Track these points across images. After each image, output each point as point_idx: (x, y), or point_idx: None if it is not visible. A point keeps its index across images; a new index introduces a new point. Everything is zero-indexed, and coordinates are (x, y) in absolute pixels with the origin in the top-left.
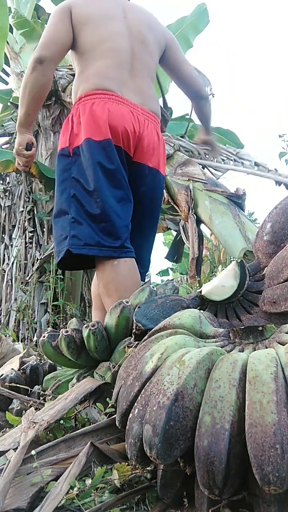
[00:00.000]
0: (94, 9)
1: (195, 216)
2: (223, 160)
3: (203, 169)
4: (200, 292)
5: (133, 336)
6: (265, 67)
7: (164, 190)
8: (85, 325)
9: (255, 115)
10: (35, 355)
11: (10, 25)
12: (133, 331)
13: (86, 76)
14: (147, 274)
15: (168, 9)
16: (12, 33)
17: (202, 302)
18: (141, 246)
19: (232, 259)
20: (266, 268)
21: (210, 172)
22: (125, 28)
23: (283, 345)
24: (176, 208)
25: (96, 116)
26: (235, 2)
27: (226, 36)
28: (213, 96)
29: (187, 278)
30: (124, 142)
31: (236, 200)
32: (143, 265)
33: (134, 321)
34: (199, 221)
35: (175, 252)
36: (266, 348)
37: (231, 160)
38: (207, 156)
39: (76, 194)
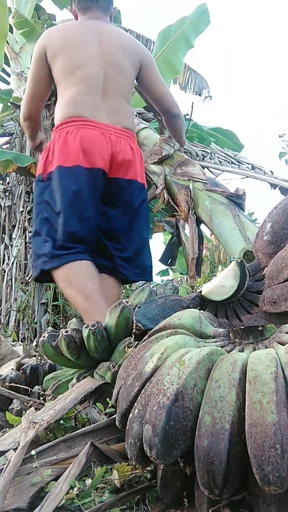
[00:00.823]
0: (68, 39)
1: (195, 216)
2: (220, 162)
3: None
4: (200, 292)
5: (133, 336)
6: (265, 67)
7: (164, 190)
8: (85, 325)
9: (255, 115)
10: (35, 355)
11: (10, 25)
12: (133, 331)
13: (62, 104)
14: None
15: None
16: (12, 33)
17: (202, 302)
18: (136, 249)
19: (232, 259)
20: (266, 268)
21: (211, 171)
22: (98, 52)
23: (283, 345)
24: (176, 208)
25: (69, 145)
26: (235, 3)
27: (227, 36)
28: (210, 99)
29: (187, 278)
30: (98, 163)
31: (236, 200)
32: (142, 267)
33: (134, 321)
34: (199, 221)
35: (169, 254)
36: (266, 348)
37: (228, 162)
38: (204, 157)
39: (48, 216)
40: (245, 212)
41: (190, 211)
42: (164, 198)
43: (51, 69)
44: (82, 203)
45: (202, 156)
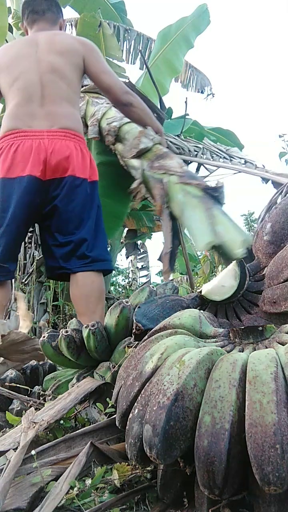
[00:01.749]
0: (9, 55)
1: (168, 210)
2: (213, 157)
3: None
4: (200, 292)
5: (133, 336)
6: (265, 67)
7: (143, 185)
8: (85, 325)
9: (255, 115)
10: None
11: (9, 24)
12: (133, 331)
13: (3, 119)
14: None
15: (168, 9)
16: (12, 33)
17: (202, 302)
18: (77, 242)
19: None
20: (266, 268)
21: (205, 168)
22: (34, 63)
23: (283, 345)
24: (153, 202)
25: (4, 157)
26: (235, 3)
27: (227, 36)
28: (213, 96)
29: (187, 278)
30: (29, 171)
31: (213, 193)
32: (85, 257)
33: (134, 321)
34: (173, 217)
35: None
36: (266, 348)
37: (221, 157)
38: (197, 153)
39: None
40: (223, 205)
41: (164, 205)
42: (142, 193)
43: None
44: (4, 215)
45: (195, 152)
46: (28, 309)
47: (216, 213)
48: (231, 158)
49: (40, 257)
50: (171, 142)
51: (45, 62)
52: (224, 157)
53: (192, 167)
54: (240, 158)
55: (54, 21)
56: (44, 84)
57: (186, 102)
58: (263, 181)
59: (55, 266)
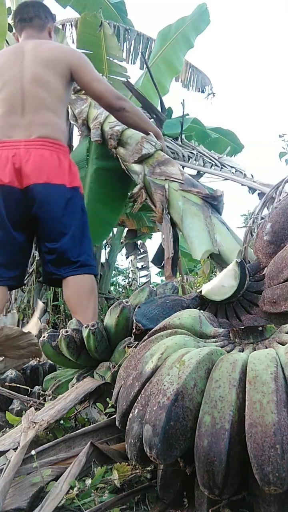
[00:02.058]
0: None
1: (169, 216)
2: (204, 163)
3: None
4: (200, 292)
5: (133, 336)
6: (266, 67)
7: (143, 190)
8: (85, 325)
9: (255, 115)
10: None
11: (9, 24)
12: (133, 331)
13: None
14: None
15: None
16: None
17: (202, 302)
18: (61, 248)
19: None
20: (266, 268)
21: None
22: (18, 73)
23: (283, 345)
24: (153, 208)
25: None
26: (235, 3)
27: (227, 36)
28: (214, 95)
29: (187, 278)
30: (4, 180)
31: (212, 201)
32: (70, 263)
33: (134, 321)
34: (172, 222)
35: (162, 256)
36: (266, 348)
37: (212, 164)
38: (190, 158)
39: None
40: (221, 213)
41: (164, 212)
42: (142, 198)
43: None
44: None
45: (188, 157)
46: (28, 309)
47: (215, 221)
48: (222, 166)
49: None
50: (167, 146)
51: (29, 72)
52: (215, 164)
53: (190, 172)
54: (231, 166)
55: (42, 27)
56: (25, 94)
57: (183, 104)
58: (250, 191)
59: (48, 272)
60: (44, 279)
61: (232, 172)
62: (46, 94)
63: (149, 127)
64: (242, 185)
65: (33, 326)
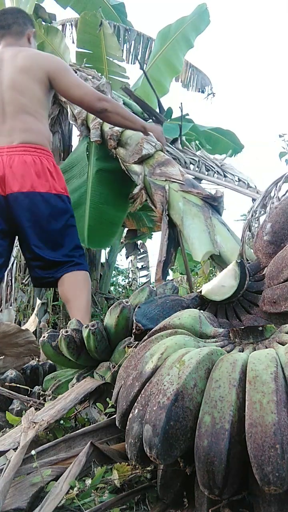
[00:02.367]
0: None
1: (167, 218)
2: (208, 171)
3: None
4: (200, 292)
5: (133, 336)
6: (266, 67)
7: (143, 191)
8: (85, 325)
9: (255, 115)
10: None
11: None
12: (133, 331)
13: None
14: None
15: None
16: None
17: (202, 302)
18: (43, 254)
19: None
20: (266, 268)
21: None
22: None
23: (283, 345)
24: (154, 208)
25: None
26: (235, 3)
27: (227, 36)
28: (214, 95)
29: (187, 278)
30: None
31: (212, 202)
32: (75, 261)
33: (134, 321)
34: (172, 223)
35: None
36: (266, 348)
37: (215, 172)
38: (192, 165)
39: None
40: (221, 214)
41: (164, 213)
42: (142, 199)
43: None
44: None
45: (190, 164)
46: (28, 309)
47: (215, 223)
48: (225, 174)
49: None
50: (167, 151)
51: (7, 79)
52: (218, 172)
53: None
54: (233, 175)
55: (20, 33)
56: (5, 101)
57: (181, 108)
58: (253, 202)
59: (37, 277)
60: (35, 283)
61: (236, 181)
62: (26, 100)
63: (135, 125)
64: (245, 195)
65: (30, 323)
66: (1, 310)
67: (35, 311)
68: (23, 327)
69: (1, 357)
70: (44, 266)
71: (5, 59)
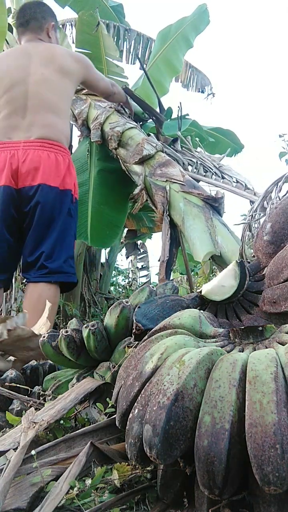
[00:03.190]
0: (2, 65)
1: (168, 218)
2: (206, 172)
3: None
4: (200, 292)
5: (133, 336)
6: (266, 67)
7: (144, 191)
8: (85, 325)
9: (255, 115)
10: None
11: (9, 24)
12: (133, 331)
13: None
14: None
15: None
16: (12, 33)
17: (202, 302)
18: (42, 252)
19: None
20: (266, 268)
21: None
22: (25, 74)
23: (283, 345)
24: (154, 209)
25: None
26: (235, 3)
27: (227, 36)
28: (213, 96)
29: (187, 278)
30: (7, 180)
31: (213, 203)
32: (43, 268)
33: (134, 321)
34: (173, 224)
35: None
36: (266, 348)
37: (213, 173)
38: (191, 166)
39: None
40: (222, 215)
41: (165, 213)
42: (143, 199)
43: None
44: None
45: (189, 165)
46: None
47: (216, 223)
48: (223, 175)
49: None
50: (166, 153)
51: (37, 74)
52: (216, 173)
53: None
54: (231, 176)
55: (39, 28)
56: (30, 96)
57: (180, 107)
58: (251, 204)
59: (26, 276)
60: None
61: (234, 182)
62: (54, 97)
63: (123, 100)
64: (243, 197)
65: (41, 326)
66: (1, 310)
67: (45, 313)
68: (35, 331)
69: (12, 359)
70: (28, 265)
71: (33, 54)
